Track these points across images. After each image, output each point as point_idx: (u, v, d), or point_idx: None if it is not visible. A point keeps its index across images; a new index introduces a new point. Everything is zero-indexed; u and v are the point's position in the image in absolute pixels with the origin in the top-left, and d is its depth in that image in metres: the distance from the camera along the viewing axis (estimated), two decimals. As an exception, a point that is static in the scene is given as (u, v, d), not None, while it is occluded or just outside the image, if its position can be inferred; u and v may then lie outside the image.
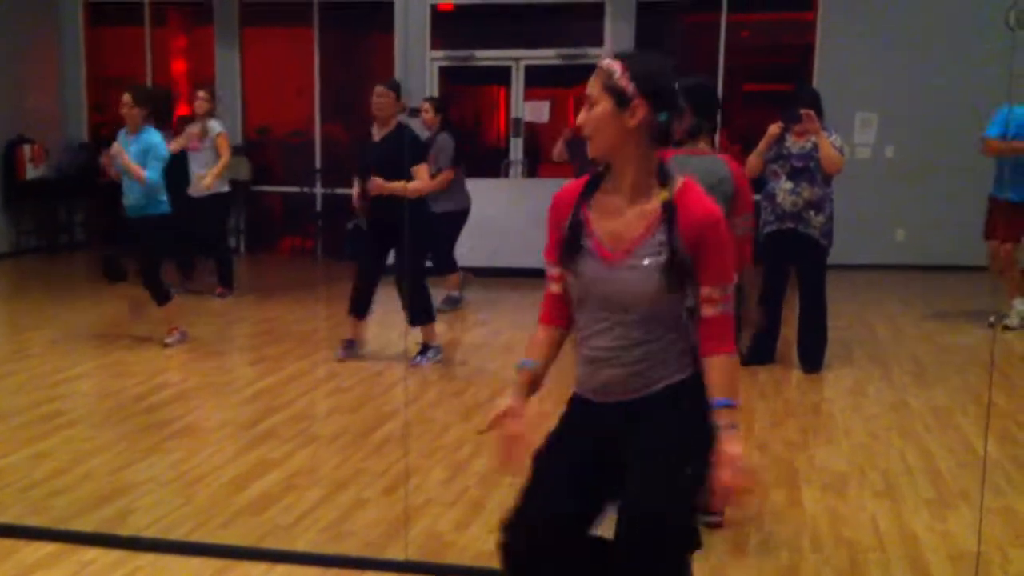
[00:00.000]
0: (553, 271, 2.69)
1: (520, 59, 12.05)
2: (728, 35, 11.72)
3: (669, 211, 2.48)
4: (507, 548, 2.63)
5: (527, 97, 11.98)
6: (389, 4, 12.09)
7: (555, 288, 2.71)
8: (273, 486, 4.62)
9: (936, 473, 4.87)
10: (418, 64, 11.84)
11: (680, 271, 2.48)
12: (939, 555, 3.94)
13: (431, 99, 8.90)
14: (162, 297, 7.46)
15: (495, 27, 12.14)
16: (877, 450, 5.25)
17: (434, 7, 12.13)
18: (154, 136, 7.29)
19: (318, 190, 12.32)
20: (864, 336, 7.87)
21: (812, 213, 6.53)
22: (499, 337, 8.00)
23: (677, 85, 2.58)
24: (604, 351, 2.58)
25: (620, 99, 2.47)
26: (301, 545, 4.00)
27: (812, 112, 6.43)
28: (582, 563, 2.65)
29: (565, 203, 2.62)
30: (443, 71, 12.06)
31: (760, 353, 6.80)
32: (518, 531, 2.61)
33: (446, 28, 12.17)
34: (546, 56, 12.06)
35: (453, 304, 8.99)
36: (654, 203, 2.51)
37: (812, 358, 6.74)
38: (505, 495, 4.39)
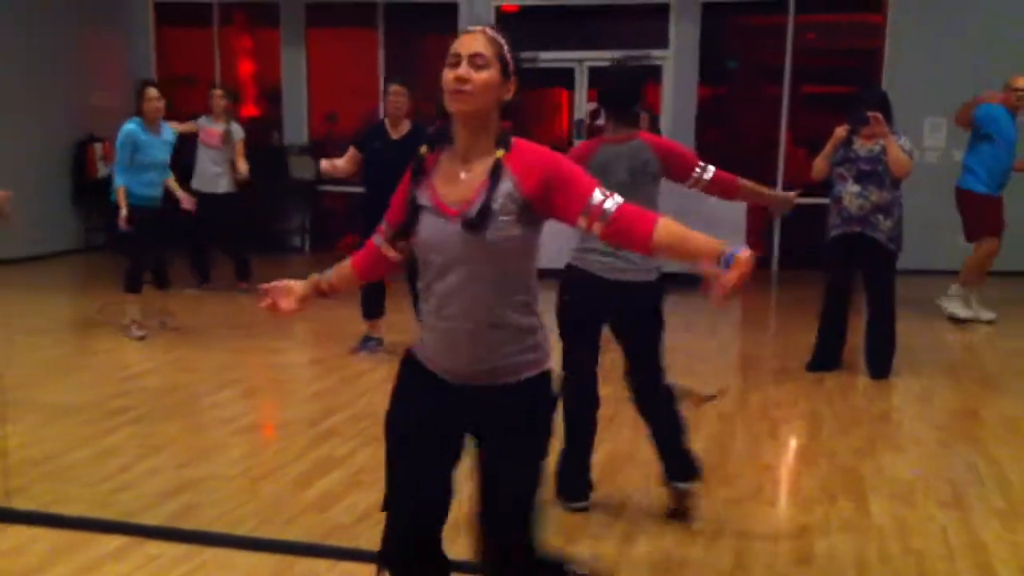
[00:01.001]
0: (384, 227, 2.78)
1: (584, 60, 12.01)
2: (794, 37, 11.60)
3: (498, 168, 2.52)
4: (390, 559, 2.74)
5: (591, 98, 11.94)
6: (453, 5, 12.14)
7: (377, 240, 2.81)
8: (336, 484, 4.64)
9: (1006, 483, 4.77)
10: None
11: (522, 218, 2.52)
12: (1010, 567, 3.85)
13: None
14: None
15: (560, 29, 12.12)
16: (946, 459, 5.15)
17: (498, 8, 12.15)
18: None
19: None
20: (932, 343, 7.74)
21: (880, 217, 6.42)
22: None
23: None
24: (454, 320, 2.58)
25: (505, 71, 2.56)
26: (364, 543, 3.99)
27: (879, 114, 6.33)
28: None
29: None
30: (507, 72, 12.05)
31: (827, 359, 6.72)
32: (396, 544, 2.71)
33: (510, 29, 12.11)
34: (610, 57, 12.02)
35: None
36: (490, 162, 2.55)
37: (880, 364, 6.63)
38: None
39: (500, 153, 2.53)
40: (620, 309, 4.20)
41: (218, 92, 9.53)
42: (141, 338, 7.56)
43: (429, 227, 2.57)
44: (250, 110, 9.80)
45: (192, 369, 6.82)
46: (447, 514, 2.72)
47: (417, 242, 2.61)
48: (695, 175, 4.17)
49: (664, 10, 11.89)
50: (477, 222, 2.47)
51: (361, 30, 12.78)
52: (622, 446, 5.15)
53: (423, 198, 2.59)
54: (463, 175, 2.57)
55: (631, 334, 4.27)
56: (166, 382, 6.59)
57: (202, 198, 9.26)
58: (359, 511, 4.32)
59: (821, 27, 12.22)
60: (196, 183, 9.34)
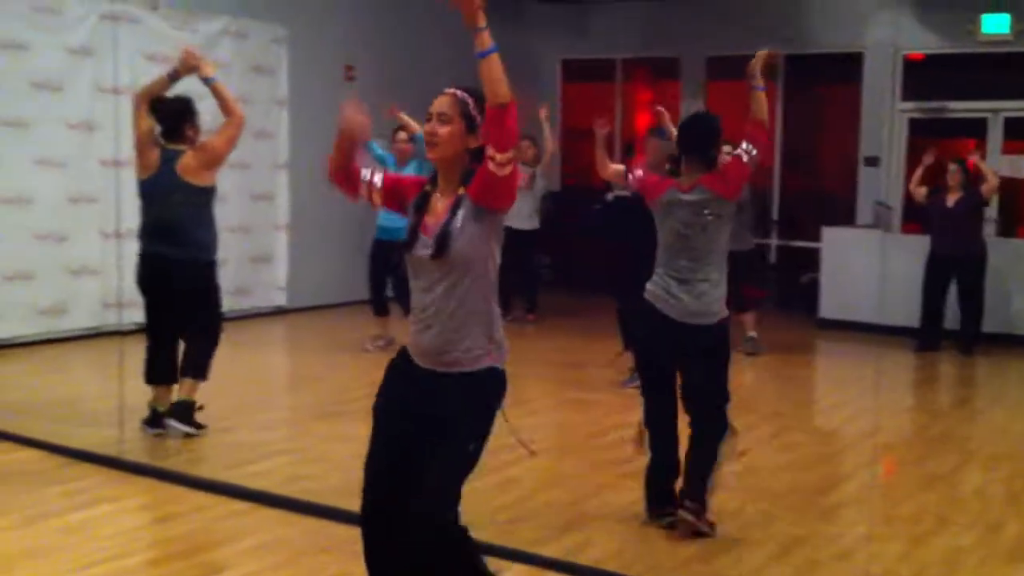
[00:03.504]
0: (379, 179, 3.38)
1: (999, 110, 11.30)
2: None
3: (459, 200, 3.19)
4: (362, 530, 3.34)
5: (1005, 150, 11.19)
6: (858, 55, 11.85)
7: (364, 176, 3.36)
8: (721, 538, 4.61)
9: None
10: (886, 115, 11.49)
11: (476, 216, 3.16)
12: None
13: None
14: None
15: (970, 77, 11.48)
16: None
17: (905, 56, 11.72)
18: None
19: (773, 241, 12.32)
20: None
21: None
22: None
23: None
24: (422, 312, 3.23)
25: (471, 125, 3.19)
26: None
27: None
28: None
29: (414, 189, 3.35)
30: (912, 122, 11.62)
31: None
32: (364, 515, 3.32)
33: (917, 78, 11.70)
34: (1028, 107, 11.24)
35: (755, 347, 8.75)
36: (454, 197, 3.22)
37: None
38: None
39: (462, 191, 3.18)
40: (687, 349, 4.55)
41: (525, 143, 10.31)
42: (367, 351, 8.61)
43: (418, 248, 3.21)
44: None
45: (581, 411, 7.09)
46: (407, 483, 3.19)
47: (411, 263, 3.25)
48: (750, 162, 4.68)
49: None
50: (437, 251, 3.14)
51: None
52: None
53: (419, 223, 3.23)
54: (441, 204, 3.24)
55: (696, 370, 4.59)
56: (560, 421, 6.88)
57: (509, 233, 9.74)
58: (746, 567, 4.29)
59: None
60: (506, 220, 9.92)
